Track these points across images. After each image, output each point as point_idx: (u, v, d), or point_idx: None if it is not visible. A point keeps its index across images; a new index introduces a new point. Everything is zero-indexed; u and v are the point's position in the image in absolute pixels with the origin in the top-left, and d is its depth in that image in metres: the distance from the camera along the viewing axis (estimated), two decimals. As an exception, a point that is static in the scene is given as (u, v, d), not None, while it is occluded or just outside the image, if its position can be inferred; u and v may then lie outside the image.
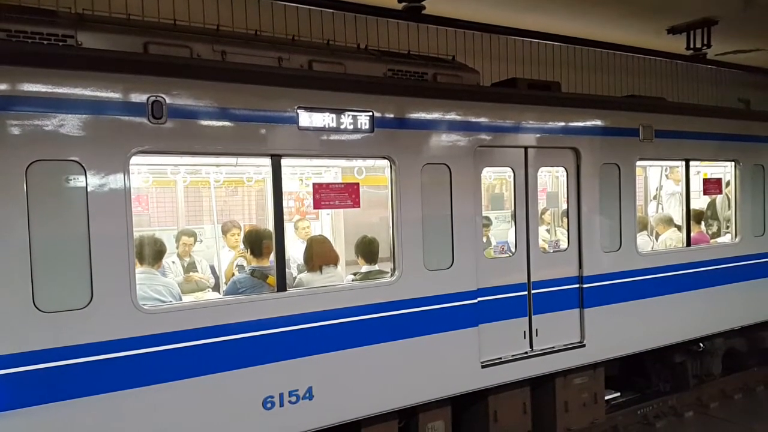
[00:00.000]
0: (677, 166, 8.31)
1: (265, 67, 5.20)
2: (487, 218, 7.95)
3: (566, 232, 6.87)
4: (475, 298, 5.95)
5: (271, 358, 4.86)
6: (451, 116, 5.84)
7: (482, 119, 6.04)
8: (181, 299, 5.23)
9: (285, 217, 5.22)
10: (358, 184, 5.80)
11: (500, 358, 6.14)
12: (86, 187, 4.18)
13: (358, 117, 5.27)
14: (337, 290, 5.36)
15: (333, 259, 5.89)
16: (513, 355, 6.23)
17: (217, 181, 7.14)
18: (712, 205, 9.47)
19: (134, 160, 4.41)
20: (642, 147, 7.25)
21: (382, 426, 5.58)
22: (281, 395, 4.91)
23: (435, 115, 5.74)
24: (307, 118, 5.04)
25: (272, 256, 5.29)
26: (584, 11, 9.18)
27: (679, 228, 8.18)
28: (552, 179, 8.29)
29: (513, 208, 6.44)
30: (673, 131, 7.56)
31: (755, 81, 14.25)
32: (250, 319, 4.79)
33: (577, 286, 6.72)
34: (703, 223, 8.87)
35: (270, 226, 5.23)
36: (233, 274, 6.42)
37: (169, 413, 4.48)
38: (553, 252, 6.81)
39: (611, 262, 6.95)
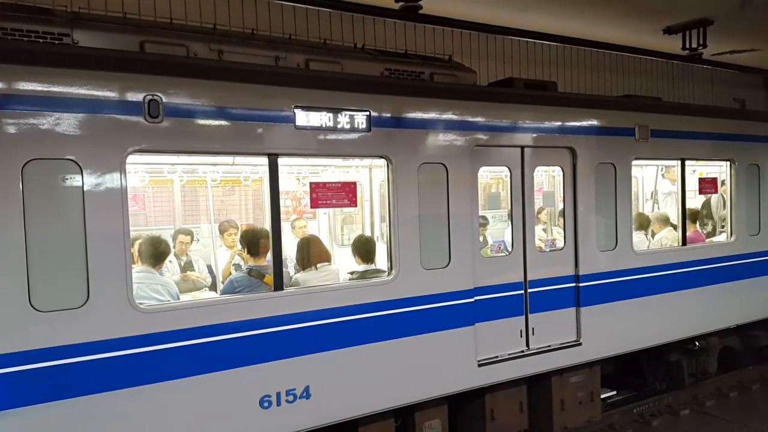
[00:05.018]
0: (673, 166, 8.33)
1: (262, 66, 5.20)
2: (484, 217, 7.97)
3: (562, 232, 6.89)
4: (472, 297, 5.96)
5: (268, 358, 4.87)
6: (448, 116, 5.84)
7: (479, 119, 6.05)
8: (179, 299, 5.22)
9: (282, 216, 5.22)
10: (355, 183, 5.81)
11: (497, 357, 6.16)
12: (82, 186, 4.17)
13: (355, 116, 5.27)
14: (333, 289, 5.36)
15: (325, 258, 5.89)
16: (509, 354, 6.25)
17: (214, 181, 7.14)
18: (707, 204, 9.50)
19: (131, 159, 4.40)
20: (638, 146, 7.27)
21: (379, 425, 5.59)
22: (278, 394, 4.91)
23: (432, 115, 5.75)
24: (304, 118, 5.04)
25: (269, 256, 5.30)
26: (580, 11, 9.19)
27: (674, 227, 8.21)
28: (548, 179, 8.32)
29: (509, 207, 6.45)
30: (669, 131, 7.59)
31: (750, 81, 14.30)
32: (247, 319, 4.79)
33: (574, 285, 6.74)
34: (698, 222, 8.90)
35: (267, 225, 5.23)
36: (230, 274, 6.41)
37: (166, 412, 4.48)
38: (550, 251, 6.83)
39: (607, 261, 6.97)
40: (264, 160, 5.02)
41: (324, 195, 5.41)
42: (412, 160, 5.60)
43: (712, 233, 9.25)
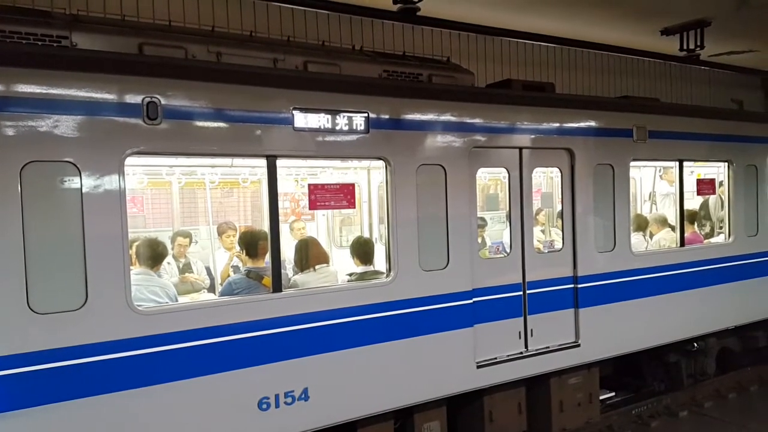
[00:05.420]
0: (671, 167, 8.34)
1: (260, 68, 5.21)
2: (482, 219, 7.97)
3: (561, 233, 6.89)
4: (471, 299, 5.96)
5: (267, 359, 4.87)
6: (446, 117, 5.85)
7: (477, 120, 6.06)
8: (177, 300, 5.22)
9: (280, 218, 5.22)
10: (353, 184, 5.81)
11: (495, 359, 6.16)
12: (81, 188, 4.17)
13: (353, 118, 5.28)
14: (332, 291, 5.37)
15: (324, 259, 5.90)
16: (508, 356, 6.25)
17: (213, 182, 7.14)
18: (705, 205, 9.51)
19: (129, 161, 4.40)
20: (636, 147, 7.28)
21: (377, 426, 5.59)
22: (277, 396, 4.91)
23: (430, 116, 5.76)
24: (302, 119, 5.05)
25: (267, 257, 5.30)
26: (578, 13, 9.21)
27: (673, 228, 8.22)
28: (546, 180, 8.33)
29: (508, 208, 6.46)
30: (667, 132, 7.60)
31: (748, 82, 14.32)
32: (246, 320, 4.79)
33: (572, 286, 6.74)
34: (696, 223, 8.91)
35: (265, 227, 5.23)
36: (229, 275, 6.41)
37: (164, 414, 4.48)
38: (548, 252, 6.84)
39: (605, 263, 6.98)
40: (262, 162, 5.02)
41: (322, 196, 5.41)
42: (411, 161, 5.61)
43: (710, 234, 9.26)
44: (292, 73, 5.40)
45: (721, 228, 8.99)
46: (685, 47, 10.42)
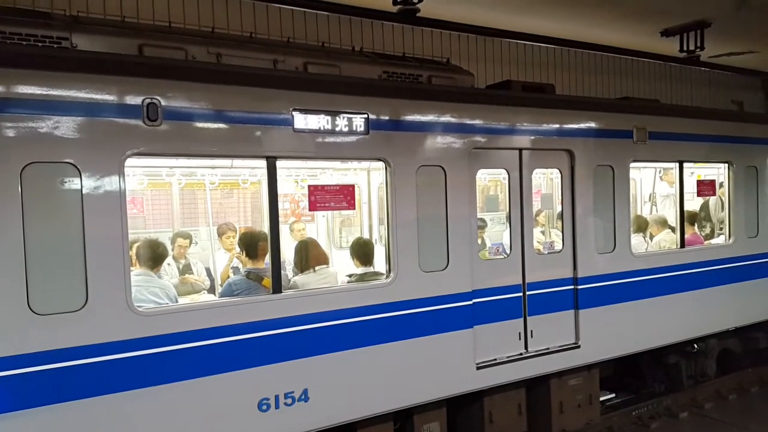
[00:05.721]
0: (671, 168, 8.35)
1: (260, 69, 5.21)
2: (482, 220, 7.97)
3: (561, 234, 6.89)
4: (470, 300, 5.96)
5: (267, 360, 4.87)
6: (446, 118, 5.85)
7: (477, 121, 6.06)
8: (177, 301, 5.22)
9: (280, 219, 5.23)
10: (353, 186, 5.82)
11: (495, 360, 6.16)
12: (81, 189, 4.18)
13: (353, 119, 5.28)
14: (332, 292, 5.37)
15: (323, 260, 5.91)
16: (508, 357, 6.25)
17: (213, 183, 7.14)
18: (705, 206, 9.51)
19: (129, 162, 4.41)
20: (636, 149, 7.28)
21: (377, 427, 5.59)
22: (277, 397, 4.91)
23: (430, 117, 5.76)
24: (302, 120, 5.05)
25: (267, 258, 5.30)
26: (578, 14, 9.23)
27: (673, 229, 8.22)
28: (546, 181, 8.33)
29: (508, 209, 6.46)
30: (667, 133, 7.60)
31: (748, 83, 14.33)
32: (246, 321, 4.79)
33: (572, 287, 6.74)
34: (696, 224, 8.91)
35: (265, 228, 5.23)
36: (229, 276, 6.41)
37: (164, 415, 4.48)
38: (548, 253, 6.84)
39: (605, 264, 6.97)
40: (262, 163, 5.02)
41: (322, 198, 5.42)
42: (410, 162, 5.61)
43: (711, 235, 9.25)
44: (292, 75, 5.41)
45: (721, 229, 8.99)
46: (685, 48, 10.43)
